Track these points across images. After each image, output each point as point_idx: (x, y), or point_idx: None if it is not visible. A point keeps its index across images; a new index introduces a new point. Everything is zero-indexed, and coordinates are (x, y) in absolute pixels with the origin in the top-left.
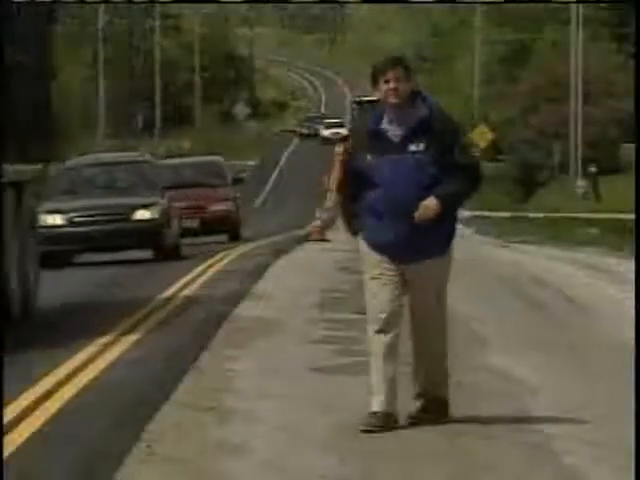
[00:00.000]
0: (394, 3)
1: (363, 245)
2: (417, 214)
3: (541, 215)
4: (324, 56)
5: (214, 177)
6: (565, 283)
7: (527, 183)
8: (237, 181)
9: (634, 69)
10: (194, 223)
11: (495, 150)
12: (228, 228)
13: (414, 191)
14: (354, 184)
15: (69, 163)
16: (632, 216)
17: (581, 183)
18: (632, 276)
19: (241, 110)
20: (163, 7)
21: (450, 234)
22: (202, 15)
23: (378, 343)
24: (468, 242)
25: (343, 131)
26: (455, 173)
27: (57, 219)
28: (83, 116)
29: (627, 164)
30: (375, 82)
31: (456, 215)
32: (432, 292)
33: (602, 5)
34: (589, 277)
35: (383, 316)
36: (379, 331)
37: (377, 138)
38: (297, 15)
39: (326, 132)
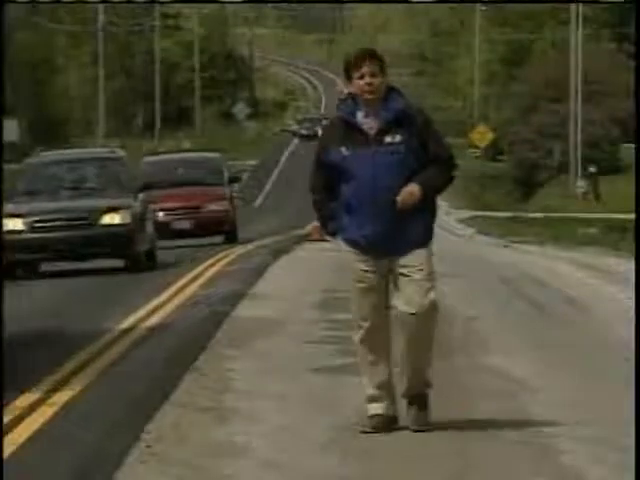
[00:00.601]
0: (394, 3)
1: (342, 246)
2: (400, 199)
3: (541, 215)
4: (324, 56)
5: (210, 175)
6: (565, 283)
7: (527, 183)
8: (234, 180)
9: (634, 69)
10: (187, 224)
11: (495, 150)
12: (224, 229)
13: (391, 183)
14: (327, 180)
15: (32, 160)
16: (632, 216)
17: (581, 183)
18: (632, 276)
19: (241, 110)
20: (163, 7)
21: (429, 225)
22: (202, 15)
23: (364, 351)
24: (469, 242)
25: None
26: (432, 164)
27: (18, 224)
28: (83, 116)
29: (627, 164)
30: (349, 76)
31: (435, 206)
32: (419, 280)
33: (602, 5)
34: (589, 277)
35: (366, 325)
36: (363, 340)
37: (352, 131)
38: (297, 15)
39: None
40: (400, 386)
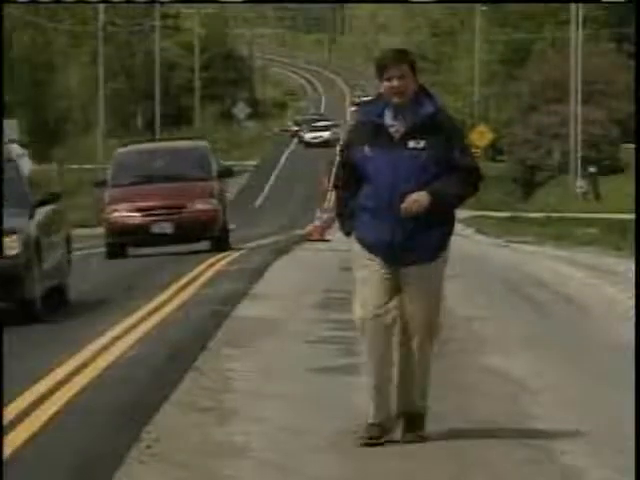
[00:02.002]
0: (394, 3)
1: (355, 244)
2: (403, 206)
3: (541, 215)
4: (324, 56)
5: (195, 168)
6: (565, 283)
7: (527, 183)
8: (225, 173)
9: (634, 69)
10: (167, 228)
11: (495, 150)
12: (212, 234)
13: (410, 189)
14: (350, 178)
15: None
16: (632, 216)
17: (581, 183)
18: (632, 276)
19: (241, 110)
20: (163, 7)
21: (444, 238)
22: (202, 15)
23: (368, 354)
24: (469, 242)
25: (325, 135)
26: (453, 173)
27: None
28: (83, 116)
29: (627, 164)
30: (379, 76)
31: (453, 217)
32: (424, 298)
33: (602, 5)
34: (589, 277)
35: (369, 327)
36: (368, 343)
37: (377, 132)
38: (297, 15)
39: (308, 136)
40: (398, 401)
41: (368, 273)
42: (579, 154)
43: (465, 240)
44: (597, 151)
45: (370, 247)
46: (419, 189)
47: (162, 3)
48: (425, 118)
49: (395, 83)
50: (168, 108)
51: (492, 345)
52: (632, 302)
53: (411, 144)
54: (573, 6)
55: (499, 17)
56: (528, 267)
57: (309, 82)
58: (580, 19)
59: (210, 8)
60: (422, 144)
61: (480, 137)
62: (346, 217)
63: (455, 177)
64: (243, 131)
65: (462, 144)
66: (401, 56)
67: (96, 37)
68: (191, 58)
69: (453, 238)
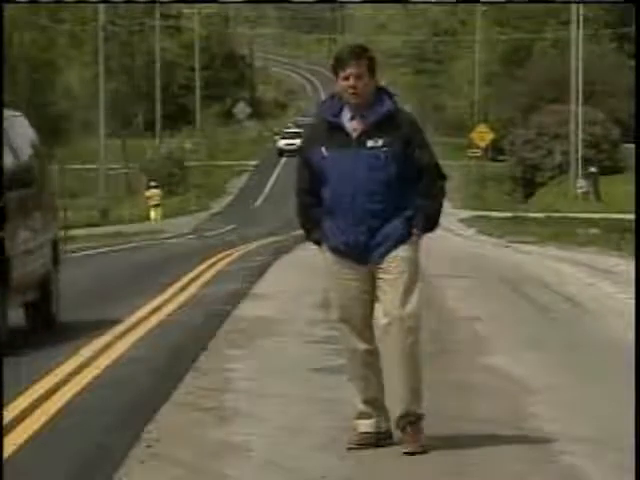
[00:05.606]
0: (394, 3)
1: (326, 253)
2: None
3: (541, 215)
4: (324, 56)
5: None
6: (565, 283)
7: (527, 183)
8: (15, 180)
9: (634, 69)
10: None
11: (495, 150)
12: None
13: (370, 188)
14: (312, 183)
15: None
16: (632, 216)
17: (581, 183)
18: (632, 276)
19: (242, 110)
20: (163, 7)
21: (410, 220)
22: (202, 15)
23: (353, 364)
24: (470, 242)
25: (298, 142)
26: (417, 176)
27: None
28: (83, 116)
29: (627, 164)
30: (335, 75)
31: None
32: (399, 285)
33: (602, 5)
34: (589, 277)
35: (354, 336)
36: (352, 352)
37: (334, 131)
38: (297, 15)
39: (281, 142)
40: (392, 407)
41: (344, 297)
42: (580, 154)
43: (467, 240)
44: (598, 151)
45: (341, 252)
46: (379, 189)
47: (162, 3)
48: (384, 116)
49: (351, 82)
50: (169, 108)
51: (493, 345)
52: (632, 302)
53: (369, 143)
54: (573, 6)
55: (499, 17)
56: (529, 267)
57: (310, 82)
58: (580, 19)
59: (210, 8)
60: (380, 143)
61: (480, 137)
62: (311, 224)
63: (421, 196)
64: (243, 131)
65: (422, 142)
66: (359, 53)
67: (96, 37)
68: (192, 58)
69: (454, 239)
